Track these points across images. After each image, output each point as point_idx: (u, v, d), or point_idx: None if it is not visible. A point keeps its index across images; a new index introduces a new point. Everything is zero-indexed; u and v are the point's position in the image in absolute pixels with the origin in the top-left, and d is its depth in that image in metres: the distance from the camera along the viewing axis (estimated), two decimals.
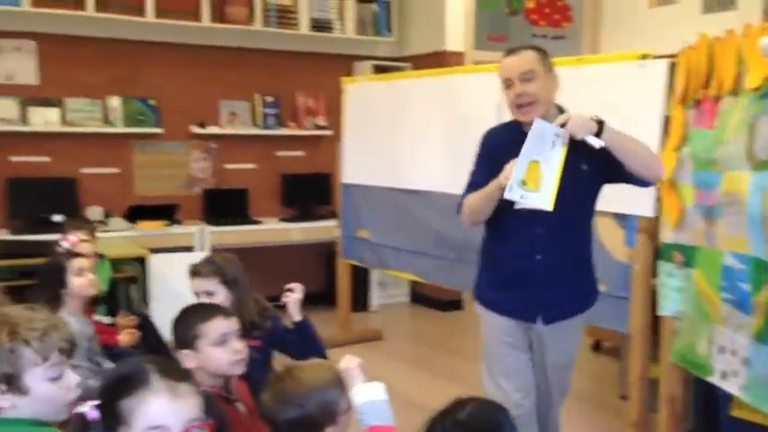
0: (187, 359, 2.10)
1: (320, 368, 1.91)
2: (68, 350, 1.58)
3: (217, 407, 1.84)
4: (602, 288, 3.32)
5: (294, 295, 2.70)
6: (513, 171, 2.33)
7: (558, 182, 2.36)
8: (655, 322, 3.22)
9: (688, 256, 2.93)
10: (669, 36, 3.45)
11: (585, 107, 3.30)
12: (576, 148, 2.39)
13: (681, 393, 3.15)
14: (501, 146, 2.55)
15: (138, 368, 1.44)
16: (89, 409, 1.38)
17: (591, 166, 2.48)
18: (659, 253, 3.13)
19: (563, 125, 2.37)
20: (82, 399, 1.55)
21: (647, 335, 3.23)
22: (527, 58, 2.47)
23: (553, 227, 2.49)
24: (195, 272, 2.72)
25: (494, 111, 3.42)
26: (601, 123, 2.36)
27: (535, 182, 2.36)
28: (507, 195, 2.35)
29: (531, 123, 2.39)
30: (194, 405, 1.43)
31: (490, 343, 2.72)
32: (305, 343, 2.67)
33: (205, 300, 2.61)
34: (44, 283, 3.00)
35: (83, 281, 2.99)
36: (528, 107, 2.45)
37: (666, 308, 3.06)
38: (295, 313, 2.72)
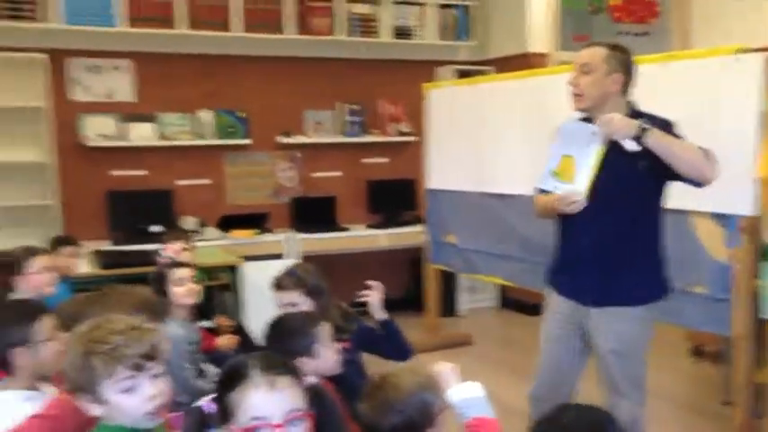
0: (306, 366, 2.15)
1: (414, 373, 1.94)
2: (142, 364, 1.58)
3: (329, 398, 1.91)
4: (700, 290, 3.24)
5: (375, 294, 2.78)
6: (547, 163, 2.55)
7: (593, 176, 2.52)
8: (758, 325, 3.09)
9: None
10: (762, 29, 3.32)
11: (677, 104, 3.25)
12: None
13: None
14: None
15: (242, 363, 1.54)
16: (206, 403, 1.45)
17: (650, 164, 2.52)
18: (762, 253, 3.01)
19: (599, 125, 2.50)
20: (192, 398, 1.63)
21: (752, 338, 3.10)
22: (593, 53, 2.60)
23: (601, 213, 2.57)
24: (278, 285, 2.73)
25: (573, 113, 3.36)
26: (644, 129, 2.44)
27: (569, 175, 2.55)
28: (541, 185, 2.61)
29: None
30: (295, 396, 1.51)
31: (545, 320, 2.88)
32: (393, 341, 2.77)
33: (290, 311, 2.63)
34: (154, 291, 3.06)
35: (183, 290, 3.10)
36: (576, 97, 2.63)
37: None
38: (379, 312, 2.80)
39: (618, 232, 2.63)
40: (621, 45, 2.66)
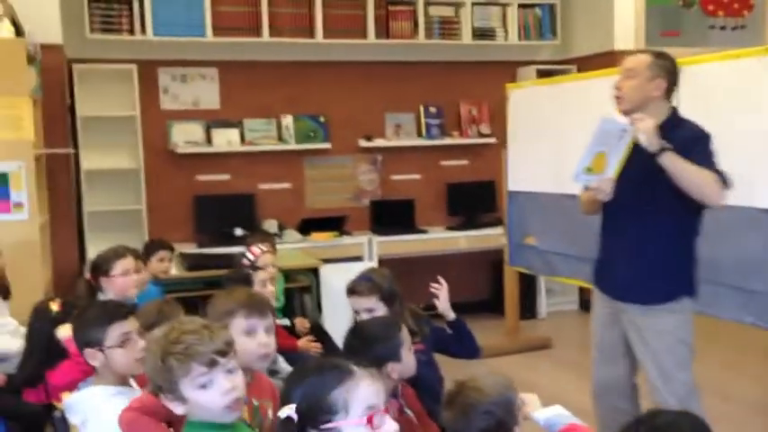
0: (393, 371, 2.18)
1: (492, 375, 1.94)
2: (216, 360, 1.64)
3: None
4: None
5: (443, 294, 2.83)
6: (579, 161, 2.68)
7: (621, 166, 2.67)
8: None
9: None
10: None
11: None
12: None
13: None
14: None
15: (339, 363, 1.60)
16: (291, 412, 1.48)
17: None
18: None
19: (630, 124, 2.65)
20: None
21: None
22: (638, 59, 2.76)
23: (632, 212, 2.73)
24: (353, 290, 2.71)
25: None
26: (663, 150, 2.58)
27: (600, 169, 2.69)
28: (574, 180, 2.75)
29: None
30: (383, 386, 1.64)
31: (592, 317, 3.03)
32: (463, 340, 2.83)
33: (366, 316, 2.61)
34: None
35: (266, 292, 3.16)
36: (618, 100, 2.77)
37: None
38: (448, 312, 2.84)
39: (650, 230, 2.74)
40: (666, 53, 2.82)
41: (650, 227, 2.74)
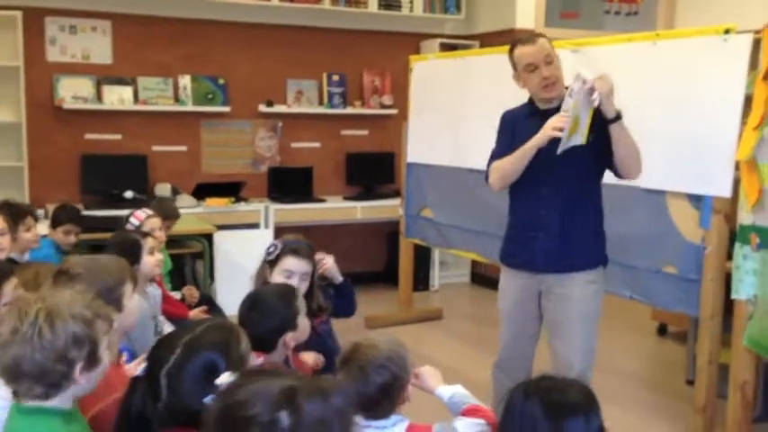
0: (289, 339, 2.15)
1: (383, 335, 2.01)
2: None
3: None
4: (671, 270, 3.25)
5: (328, 260, 2.87)
6: (564, 127, 2.59)
7: (590, 121, 2.64)
8: (726, 306, 3.10)
9: (765, 238, 2.80)
10: (749, 11, 3.30)
11: (663, 83, 3.25)
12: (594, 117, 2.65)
13: (752, 379, 3.03)
14: (519, 122, 2.87)
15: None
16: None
17: (596, 140, 2.69)
18: (735, 235, 3.01)
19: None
20: None
21: (719, 319, 3.11)
22: (545, 44, 2.78)
23: (556, 186, 2.76)
24: (297, 251, 2.64)
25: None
26: (619, 115, 2.64)
27: (576, 130, 2.64)
28: (559, 150, 2.63)
29: (550, 100, 2.74)
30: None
31: (502, 294, 3.02)
32: (344, 299, 2.91)
33: (294, 282, 2.55)
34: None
35: (153, 260, 3.05)
36: (552, 85, 2.77)
37: (740, 291, 2.94)
38: (336, 275, 2.92)
39: (572, 201, 2.79)
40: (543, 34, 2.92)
41: (575, 198, 2.79)
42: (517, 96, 3.08)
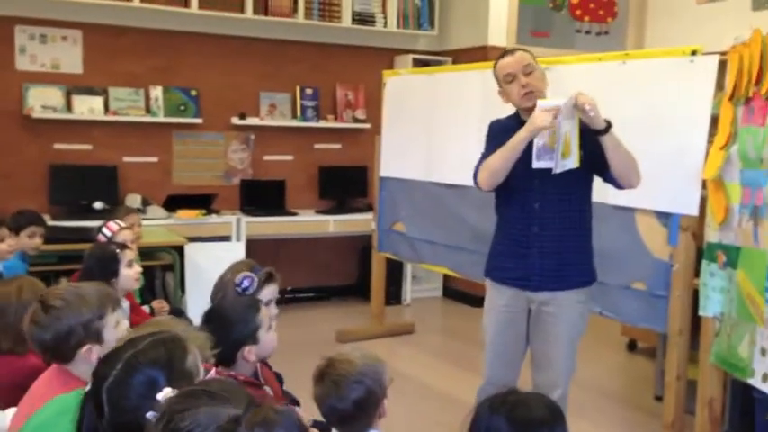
0: (249, 353, 2.14)
1: (359, 350, 2.00)
2: None
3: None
4: (640, 286, 3.29)
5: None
6: (556, 149, 2.58)
7: (579, 141, 2.62)
8: (694, 323, 3.15)
9: (732, 256, 2.85)
10: (716, 33, 3.37)
11: (631, 102, 3.30)
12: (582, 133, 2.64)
13: (719, 395, 3.08)
14: (506, 132, 2.80)
15: None
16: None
17: (586, 153, 2.65)
18: (702, 252, 3.06)
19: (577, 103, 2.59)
20: None
21: (687, 335, 3.16)
22: (524, 56, 2.79)
23: (549, 202, 2.73)
24: (272, 275, 2.60)
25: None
26: (610, 125, 2.61)
27: (568, 151, 2.63)
28: (557, 170, 2.61)
29: (531, 110, 2.65)
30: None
31: (489, 312, 2.93)
32: None
33: (273, 309, 2.52)
34: (94, 272, 2.88)
35: (132, 272, 3.01)
36: (532, 94, 2.74)
37: (708, 308, 2.99)
38: None
39: (566, 218, 2.76)
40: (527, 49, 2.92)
41: (569, 215, 2.76)
42: (489, 113, 3.13)
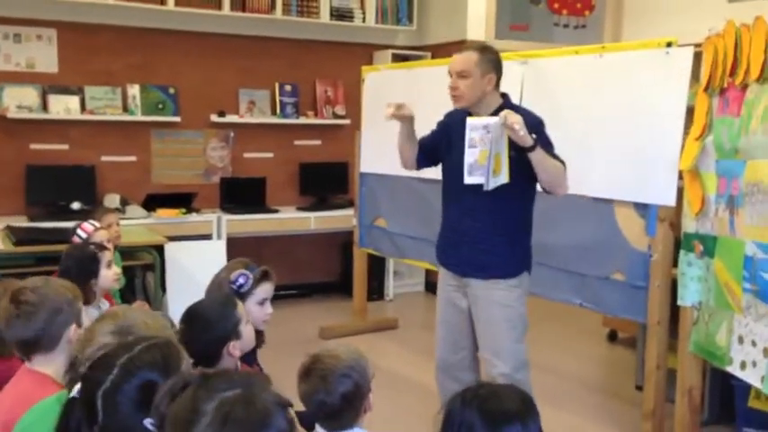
0: (234, 349, 2.13)
1: (344, 345, 2.01)
2: None
3: None
4: (619, 277, 3.31)
5: None
6: (487, 166, 2.73)
7: (508, 160, 2.78)
8: (673, 312, 3.18)
9: (709, 245, 2.88)
10: (691, 25, 3.40)
11: (609, 94, 3.32)
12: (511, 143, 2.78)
13: (698, 384, 3.11)
14: (454, 123, 3.00)
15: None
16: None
17: (517, 155, 2.78)
18: (679, 242, 3.09)
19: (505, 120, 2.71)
20: None
21: (666, 325, 3.19)
22: (466, 59, 2.87)
23: (480, 196, 2.82)
24: (267, 274, 2.57)
25: (515, 101, 3.38)
26: (535, 145, 2.73)
27: (499, 168, 2.78)
28: (489, 188, 2.76)
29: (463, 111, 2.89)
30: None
31: (438, 294, 3.14)
32: None
33: (268, 307, 2.54)
34: (72, 273, 2.79)
35: (111, 273, 2.98)
36: (456, 98, 2.93)
37: (686, 298, 3.02)
38: None
39: (496, 215, 2.89)
40: (489, 46, 3.03)
41: (500, 210, 2.87)
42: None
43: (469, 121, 2.76)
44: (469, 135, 2.73)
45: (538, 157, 2.73)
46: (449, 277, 3.08)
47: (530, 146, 2.70)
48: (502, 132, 2.70)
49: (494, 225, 2.89)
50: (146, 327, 1.62)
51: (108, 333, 1.61)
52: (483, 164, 2.73)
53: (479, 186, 2.78)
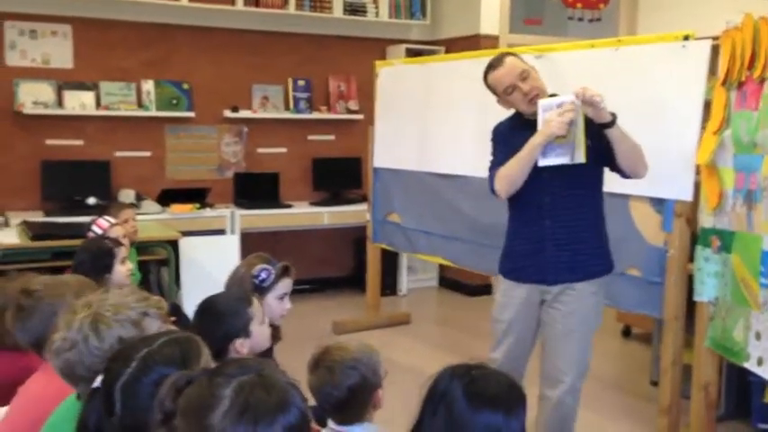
0: (242, 347, 2.13)
1: (355, 340, 2.01)
2: None
3: None
4: (635, 273, 3.29)
5: None
6: (571, 141, 2.56)
7: (584, 137, 2.58)
8: (689, 308, 3.15)
9: (726, 241, 2.86)
10: (708, 18, 3.37)
11: (625, 88, 3.29)
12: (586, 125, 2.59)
13: (714, 380, 3.09)
14: (511, 133, 2.80)
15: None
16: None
17: (593, 144, 2.61)
18: (696, 238, 3.06)
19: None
20: None
21: (682, 320, 3.17)
22: (514, 62, 2.76)
23: (558, 196, 2.70)
24: (288, 269, 2.57)
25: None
26: (615, 118, 2.57)
27: (578, 145, 2.58)
28: (573, 161, 2.58)
29: (536, 113, 2.64)
30: None
31: (502, 304, 2.90)
32: None
33: (287, 303, 2.55)
34: (86, 267, 2.84)
35: (124, 269, 3.00)
36: (537, 97, 2.70)
37: (702, 293, 3.00)
38: None
39: (577, 209, 2.74)
40: (513, 52, 2.93)
41: (579, 206, 2.74)
42: (483, 102, 3.12)
43: (541, 101, 2.63)
44: (542, 116, 2.60)
45: (617, 134, 2.57)
46: (520, 288, 2.84)
47: (608, 121, 2.55)
48: (577, 110, 2.56)
49: (574, 222, 2.73)
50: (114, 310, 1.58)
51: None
52: (558, 143, 2.58)
53: (556, 187, 2.68)
